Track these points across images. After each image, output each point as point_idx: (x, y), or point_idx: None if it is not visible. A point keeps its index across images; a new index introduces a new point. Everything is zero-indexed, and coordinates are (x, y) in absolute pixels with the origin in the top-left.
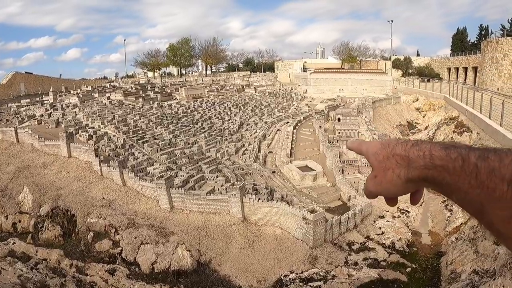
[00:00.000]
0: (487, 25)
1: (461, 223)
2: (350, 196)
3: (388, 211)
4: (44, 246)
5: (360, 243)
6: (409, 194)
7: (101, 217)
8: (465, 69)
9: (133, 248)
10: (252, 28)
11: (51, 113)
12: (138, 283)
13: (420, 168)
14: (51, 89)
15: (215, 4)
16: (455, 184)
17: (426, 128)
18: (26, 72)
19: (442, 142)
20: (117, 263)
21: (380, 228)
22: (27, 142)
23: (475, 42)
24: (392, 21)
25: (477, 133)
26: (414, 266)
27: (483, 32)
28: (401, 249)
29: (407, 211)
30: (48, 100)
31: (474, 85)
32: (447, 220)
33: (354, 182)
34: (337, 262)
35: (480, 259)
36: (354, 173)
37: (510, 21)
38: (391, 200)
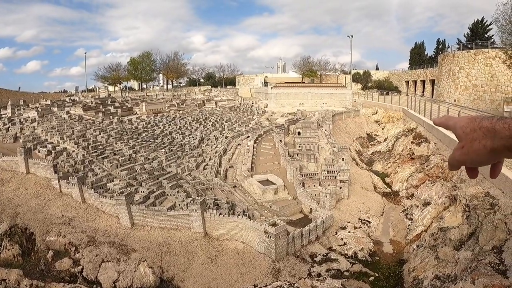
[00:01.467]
0: (444, 39)
1: (422, 231)
2: (311, 208)
3: (349, 222)
4: (2, 266)
5: (323, 255)
6: (489, 167)
7: (60, 235)
8: (423, 82)
9: (94, 266)
10: (215, 42)
11: (9, 127)
12: None
13: (506, 138)
14: (9, 103)
15: (178, 19)
16: None
17: (385, 140)
18: None
19: None
20: (78, 282)
21: (342, 239)
22: None
23: (433, 55)
24: (352, 36)
25: (435, 143)
26: (377, 275)
27: (440, 46)
28: (364, 258)
29: (368, 221)
30: (6, 114)
31: (432, 97)
32: (408, 228)
33: (315, 195)
34: (300, 274)
35: (441, 264)
36: (314, 185)
37: (466, 36)
38: (473, 171)
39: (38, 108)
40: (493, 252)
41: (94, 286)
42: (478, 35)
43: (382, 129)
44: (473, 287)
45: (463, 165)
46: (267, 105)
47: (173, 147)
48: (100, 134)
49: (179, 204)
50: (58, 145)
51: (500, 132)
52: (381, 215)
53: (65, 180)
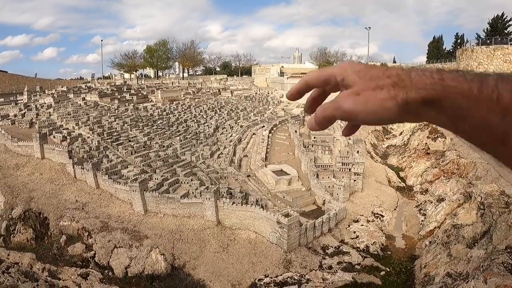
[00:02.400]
0: (463, 34)
1: (435, 227)
2: (324, 200)
3: (362, 215)
4: (16, 249)
5: (335, 247)
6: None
7: (74, 220)
8: None
9: (106, 252)
10: (231, 32)
11: (25, 113)
12: (112, 287)
13: (427, 89)
14: (25, 89)
15: (195, 7)
16: (469, 109)
17: (401, 133)
18: (0, 71)
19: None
20: (90, 267)
21: (355, 232)
22: None
23: (451, 50)
24: (370, 28)
25: (451, 139)
26: (388, 270)
27: (458, 41)
28: (375, 252)
29: (381, 215)
30: (22, 99)
31: None
32: (421, 224)
33: (329, 187)
34: (312, 266)
35: (453, 262)
36: (328, 177)
37: (485, 31)
38: (354, 128)
39: (54, 94)
40: (506, 252)
41: (106, 271)
42: (497, 31)
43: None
44: (485, 286)
45: (347, 120)
46: (282, 95)
47: (188, 135)
48: (115, 120)
49: (192, 192)
50: (74, 131)
51: (418, 82)
52: (394, 209)
53: (80, 166)
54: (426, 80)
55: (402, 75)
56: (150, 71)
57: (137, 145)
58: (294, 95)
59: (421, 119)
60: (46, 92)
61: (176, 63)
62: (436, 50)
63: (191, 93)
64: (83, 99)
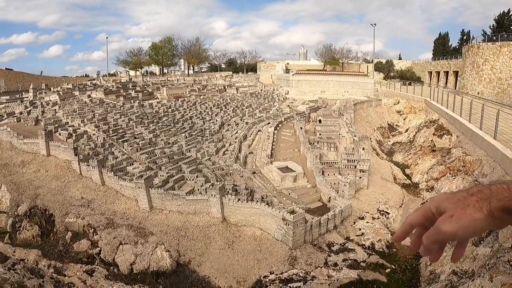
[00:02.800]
0: (469, 31)
1: None
2: (330, 197)
3: (367, 212)
4: (21, 246)
5: (340, 244)
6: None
7: (79, 216)
8: (446, 73)
9: (112, 248)
10: (236, 28)
11: (30, 110)
12: (117, 284)
13: (505, 199)
14: (31, 86)
15: (201, 4)
16: None
17: (406, 130)
18: (6, 69)
19: None
20: (96, 263)
21: (360, 229)
22: (5, 140)
23: (457, 47)
24: (375, 24)
25: (457, 136)
26: (394, 267)
27: (464, 37)
28: (381, 250)
29: (386, 212)
30: (28, 97)
31: (455, 89)
32: None
33: (334, 184)
34: (317, 263)
35: (459, 260)
36: (334, 174)
37: (491, 27)
38: (459, 250)
39: (60, 92)
40: None
41: (111, 267)
42: (504, 27)
43: (404, 119)
44: (491, 284)
45: (450, 240)
46: (288, 92)
47: (193, 132)
48: (120, 117)
49: (198, 189)
50: (79, 128)
51: (497, 193)
52: (400, 206)
53: (85, 163)
54: (505, 193)
55: (484, 190)
56: (155, 68)
57: (143, 142)
58: (402, 238)
59: (505, 224)
60: (52, 89)
61: (181, 60)
62: (442, 47)
63: (197, 90)
64: (89, 96)
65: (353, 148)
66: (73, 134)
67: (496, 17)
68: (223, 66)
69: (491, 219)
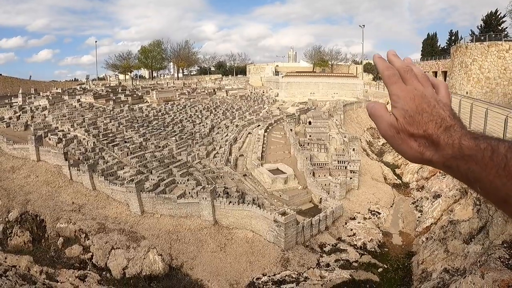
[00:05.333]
0: (457, 31)
1: (431, 224)
2: (321, 198)
3: (359, 212)
4: (13, 252)
5: (332, 245)
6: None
7: (71, 222)
8: (435, 73)
9: (104, 253)
10: (226, 31)
11: (19, 115)
12: None
13: (447, 157)
14: (20, 91)
15: (190, 8)
16: (481, 173)
17: None
18: None
19: (473, 132)
20: (88, 268)
21: (352, 229)
22: None
23: (445, 47)
24: (364, 26)
25: None
26: (386, 266)
27: (452, 38)
28: (373, 249)
29: (377, 212)
30: (17, 102)
31: None
32: (418, 220)
33: (325, 185)
34: (309, 264)
35: (450, 257)
36: (325, 175)
37: (479, 27)
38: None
39: (49, 96)
40: (503, 247)
41: (104, 272)
42: (491, 27)
43: None
44: (482, 281)
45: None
46: (278, 94)
47: (184, 135)
48: (110, 122)
49: (189, 192)
50: (69, 133)
51: (443, 149)
52: (391, 206)
53: (76, 168)
54: (449, 151)
55: (434, 139)
56: (144, 72)
57: (133, 146)
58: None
59: (444, 171)
60: (41, 94)
61: (171, 63)
62: (430, 47)
63: (186, 93)
64: (78, 100)
65: (343, 149)
66: (63, 139)
67: (484, 17)
68: (212, 69)
69: (426, 163)
